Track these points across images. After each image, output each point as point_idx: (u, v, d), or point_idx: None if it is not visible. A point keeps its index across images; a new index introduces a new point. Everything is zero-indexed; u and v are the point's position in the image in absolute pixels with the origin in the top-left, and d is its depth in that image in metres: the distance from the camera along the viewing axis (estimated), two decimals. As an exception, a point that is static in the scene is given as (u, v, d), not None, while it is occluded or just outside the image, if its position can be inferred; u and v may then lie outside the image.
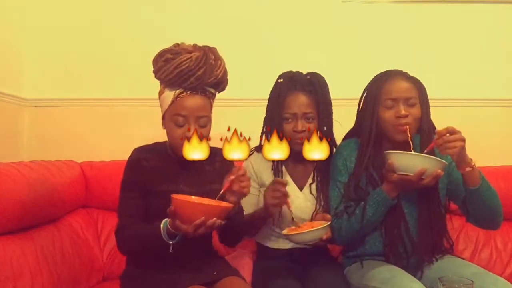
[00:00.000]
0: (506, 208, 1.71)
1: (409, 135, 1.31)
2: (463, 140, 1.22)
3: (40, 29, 1.99)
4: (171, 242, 1.15)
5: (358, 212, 1.34)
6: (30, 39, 1.98)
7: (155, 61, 1.32)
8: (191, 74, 1.25)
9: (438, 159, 1.24)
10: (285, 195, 1.25)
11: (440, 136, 1.22)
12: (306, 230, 1.25)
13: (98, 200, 1.74)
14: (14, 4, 1.90)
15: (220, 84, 1.35)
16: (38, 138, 1.99)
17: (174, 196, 1.10)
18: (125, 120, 1.99)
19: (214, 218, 1.08)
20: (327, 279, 1.36)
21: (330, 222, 1.29)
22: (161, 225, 1.16)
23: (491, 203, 1.30)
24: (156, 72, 1.32)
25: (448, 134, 1.22)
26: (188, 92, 1.27)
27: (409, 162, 1.23)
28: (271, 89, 1.52)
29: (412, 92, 1.36)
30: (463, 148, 1.22)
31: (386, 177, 1.29)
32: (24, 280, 1.19)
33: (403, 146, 1.34)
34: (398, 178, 1.26)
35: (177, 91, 1.27)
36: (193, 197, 1.18)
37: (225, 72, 1.35)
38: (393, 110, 1.35)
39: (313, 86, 1.46)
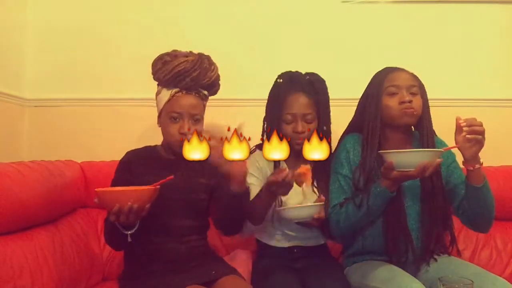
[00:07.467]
0: (507, 208, 1.73)
1: (414, 118, 1.37)
2: (484, 131, 1.23)
3: (41, 29, 1.99)
4: (128, 233, 1.18)
5: (356, 203, 1.33)
6: (31, 39, 1.98)
7: (154, 63, 1.43)
8: (187, 75, 1.37)
9: (435, 150, 1.26)
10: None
11: (464, 120, 1.24)
12: (299, 205, 1.35)
13: (98, 200, 1.74)
14: (14, 4, 1.90)
15: (213, 86, 1.47)
16: (38, 138, 1.99)
17: (96, 189, 1.13)
18: (125, 120, 1.99)
19: (129, 203, 1.10)
20: (327, 279, 1.36)
21: (323, 202, 1.37)
22: None
23: (490, 205, 1.31)
24: (155, 73, 1.43)
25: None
26: (184, 92, 1.38)
27: (407, 159, 1.22)
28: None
29: (415, 81, 1.41)
30: (484, 140, 1.23)
31: (385, 174, 1.28)
32: (24, 280, 1.19)
33: (403, 140, 1.40)
34: (398, 175, 1.25)
35: (173, 91, 1.38)
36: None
37: (218, 76, 1.47)
38: (397, 97, 1.38)
39: (313, 86, 1.47)
